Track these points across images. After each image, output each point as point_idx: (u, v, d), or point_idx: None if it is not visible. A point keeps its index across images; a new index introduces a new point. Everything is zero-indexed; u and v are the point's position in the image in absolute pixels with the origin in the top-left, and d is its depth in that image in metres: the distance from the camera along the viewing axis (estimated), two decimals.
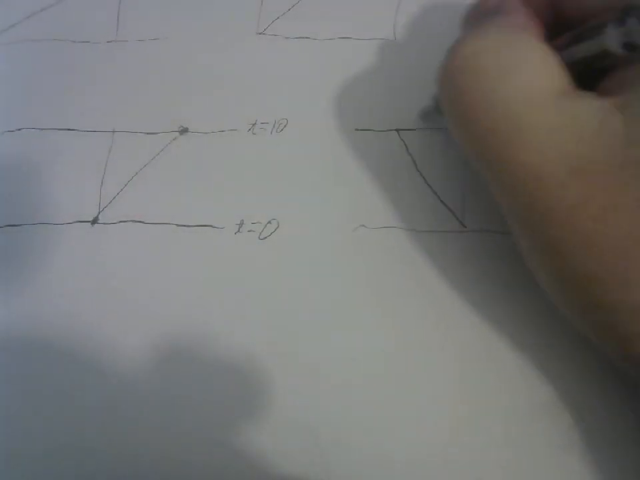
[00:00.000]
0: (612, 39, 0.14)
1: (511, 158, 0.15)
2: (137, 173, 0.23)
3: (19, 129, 0.25)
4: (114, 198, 0.23)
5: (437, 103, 0.20)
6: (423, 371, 0.19)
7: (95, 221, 0.23)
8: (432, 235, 0.21)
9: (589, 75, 0.15)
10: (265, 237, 0.22)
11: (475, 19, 0.17)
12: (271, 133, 0.23)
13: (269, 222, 0.22)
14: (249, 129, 0.23)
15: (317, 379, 0.20)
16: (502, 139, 0.15)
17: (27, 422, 0.20)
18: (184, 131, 0.24)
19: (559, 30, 0.16)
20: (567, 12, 0.17)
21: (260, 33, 0.25)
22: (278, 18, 0.25)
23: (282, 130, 0.23)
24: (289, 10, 0.25)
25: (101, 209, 0.23)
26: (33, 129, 0.25)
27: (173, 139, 0.24)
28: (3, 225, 0.23)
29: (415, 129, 0.22)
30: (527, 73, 0.15)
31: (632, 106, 0.14)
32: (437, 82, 0.17)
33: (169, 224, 0.22)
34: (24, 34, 0.27)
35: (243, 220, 0.22)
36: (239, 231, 0.22)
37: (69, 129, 0.25)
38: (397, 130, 0.22)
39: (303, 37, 0.25)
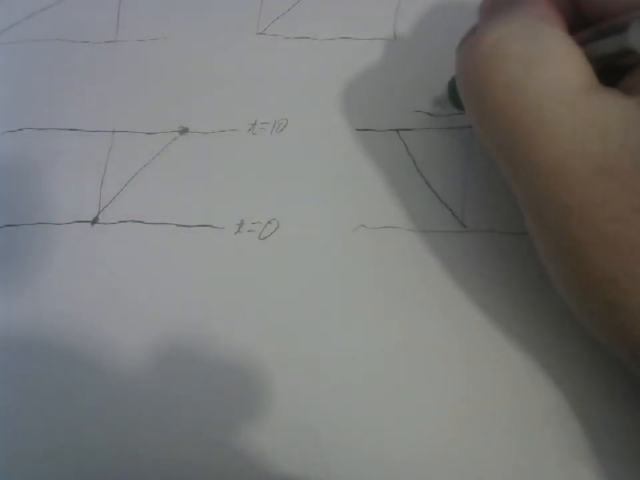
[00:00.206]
0: (635, 38, 0.14)
1: (533, 150, 0.14)
2: (137, 173, 0.23)
3: (20, 129, 0.25)
4: (114, 198, 0.23)
5: (449, 92, 0.20)
6: (422, 370, 0.19)
7: (94, 221, 0.23)
8: (432, 235, 0.21)
9: (608, 72, 0.15)
10: (265, 237, 0.22)
11: (494, 7, 0.17)
12: (271, 133, 0.23)
13: (269, 222, 0.22)
14: (249, 129, 0.23)
15: (317, 378, 0.20)
16: (525, 130, 0.14)
17: (27, 422, 0.20)
18: (184, 131, 0.24)
19: (576, 26, 0.16)
20: (586, 8, 0.16)
21: (260, 33, 0.25)
22: (278, 18, 0.25)
23: (282, 130, 0.23)
24: (289, 10, 0.25)
25: (100, 209, 0.23)
26: (33, 129, 0.25)
27: (173, 139, 0.24)
28: (3, 224, 0.23)
29: (414, 129, 0.22)
30: (553, 65, 0.14)
31: None
32: (457, 69, 0.16)
33: (169, 224, 0.22)
34: (24, 34, 0.27)
35: (243, 220, 0.22)
36: (238, 231, 0.22)
37: (69, 129, 0.25)
38: (397, 130, 0.22)
39: (303, 37, 0.25)
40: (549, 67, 0.14)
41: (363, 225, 0.21)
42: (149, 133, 0.24)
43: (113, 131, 0.24)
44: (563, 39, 0.15)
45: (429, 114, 0.22)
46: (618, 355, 0.15)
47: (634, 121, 0.14)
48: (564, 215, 0.14)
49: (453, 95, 0.20)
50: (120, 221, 0.23)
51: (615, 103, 0.14)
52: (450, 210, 0.21)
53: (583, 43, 0.15)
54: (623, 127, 0.14)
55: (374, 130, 0.23)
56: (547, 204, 0.15)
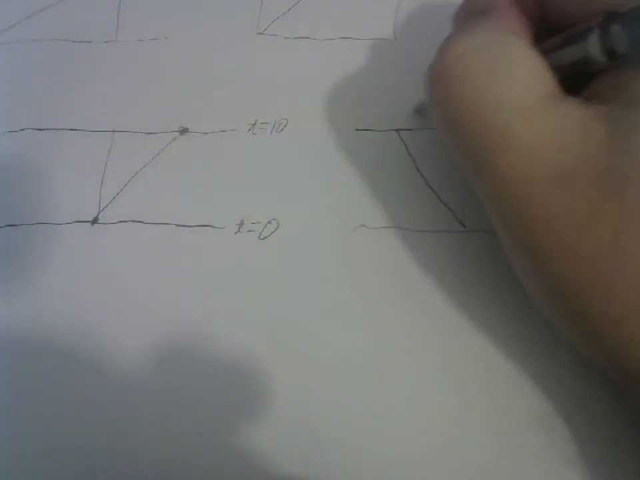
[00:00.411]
0: (594, 46, 0.14)
1: (495, 160, 0.14)
2: (137, 173, 0.23)
3: (22, 129, 0.25)
4: (114, 198, 0.23)
5: None
6: (423, 371, 0.19)
7: (94, 221, 0.23)
8: (432, 235, 0.21)
9: (576, 79, 0.15)
10: (265, 237, 0.22)
11: (465, 19, 0.17)
12: (271, 133, 0.23)
13: (269, 222, 0.22)
14: (249, 129, 0.23)
15: (317, 379, 0.20)
16: (487, 141, 0.15)
17: (27, 422, 0.20)
18: (184, 131, 0.24)
19: (545, 33, 0.16)
20: (553, 14, 0.16)
21: (260, 33, 0.25)
22: (278, 18, 0.25)
23: (282, 130, 0.23)
24: (289, 10, 0.25)
25: (100, 209, 0.23)
26: (33, 129, 0.25)
27: (173, 139, 0.24)
28: (3, 224, 0.23)
29: (414, 129, 0.22)
30: (515, 76, 0.15)
31: (616, 115, 0.14)
32: (426, 81, 0.17)
33: (169, 224, 0.22)
34: (24, 34, 0.27)
35: (242, 220, 0.22)
36: (238, 231, 0.22)
37: (69, 129, 0.25)
38: (397, 130, 0.22)
39: (303, 37, 0.25)
40: (510, 77, 0.15)
41: (363, 225, 0.21)
42: (148, 133, 0.24)
43: (113, 131, 0.24)
44: (526, 49, 0.15)
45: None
46: (594, 362, 0.15)
47: (590, 131, 0.14)
48: (526, 225, 0.14)
49: None
50: (120, 221, 0.23)
51: (573, 112, 0.14)
52: (450, 210, 0.21)
53: (548, 51, 0.15)
54: (579, 137, 0.14)
55: (374, 130, 0.23)
56: (510, 214, 0.15)
